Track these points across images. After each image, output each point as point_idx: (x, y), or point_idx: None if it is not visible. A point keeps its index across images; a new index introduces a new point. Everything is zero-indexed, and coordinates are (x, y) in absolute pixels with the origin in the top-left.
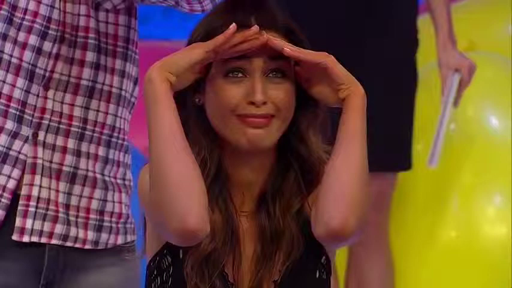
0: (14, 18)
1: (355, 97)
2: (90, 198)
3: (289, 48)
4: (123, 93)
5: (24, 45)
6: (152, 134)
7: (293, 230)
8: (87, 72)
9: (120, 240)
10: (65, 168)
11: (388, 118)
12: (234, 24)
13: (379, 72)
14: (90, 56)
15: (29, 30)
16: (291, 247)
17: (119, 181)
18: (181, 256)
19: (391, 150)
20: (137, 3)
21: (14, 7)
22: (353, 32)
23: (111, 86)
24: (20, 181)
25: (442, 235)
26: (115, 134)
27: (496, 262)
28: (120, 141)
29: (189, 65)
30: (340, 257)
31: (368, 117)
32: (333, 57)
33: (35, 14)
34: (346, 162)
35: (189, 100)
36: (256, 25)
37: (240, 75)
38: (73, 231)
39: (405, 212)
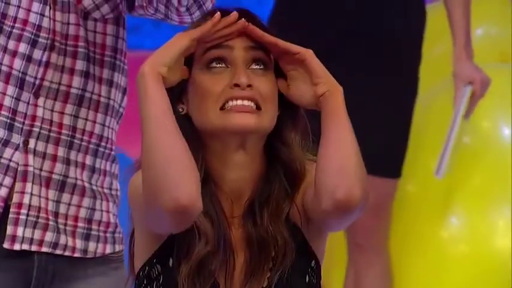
0: (4, 27)
1: (333, 95)
2: (79, 206)
3: (268, 35)
4: (111, 102)
5: (14, 53)
6: (144, 117)
7: (285, 235)
8: (77, 81)
9: (108, 250)
10: (54, 176)
11: (387, 121)
12: (218, 12)
13: (379, 73)
14: (80, 65)
15: (19, 39)
16: (283, 253)
17: (105, 190)
18: (171, 264)
19: (390, 155)
20: (126, 14)
21: (4, 15)
22: (353, 33)
23: (99, 95)
24: (11, 189)
25: (450, 246)
26: (102, 144)
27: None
28: (107, 151)
29: (179, 53)
30: (339, 260)
31: (368, 118)
32: (311, 51)
33: (25, 22)
34: (342, 137)
35: (174, 111)
36: (235, 12)
37: (221, 65)
38: (62, 239)
39: (414, 221)
